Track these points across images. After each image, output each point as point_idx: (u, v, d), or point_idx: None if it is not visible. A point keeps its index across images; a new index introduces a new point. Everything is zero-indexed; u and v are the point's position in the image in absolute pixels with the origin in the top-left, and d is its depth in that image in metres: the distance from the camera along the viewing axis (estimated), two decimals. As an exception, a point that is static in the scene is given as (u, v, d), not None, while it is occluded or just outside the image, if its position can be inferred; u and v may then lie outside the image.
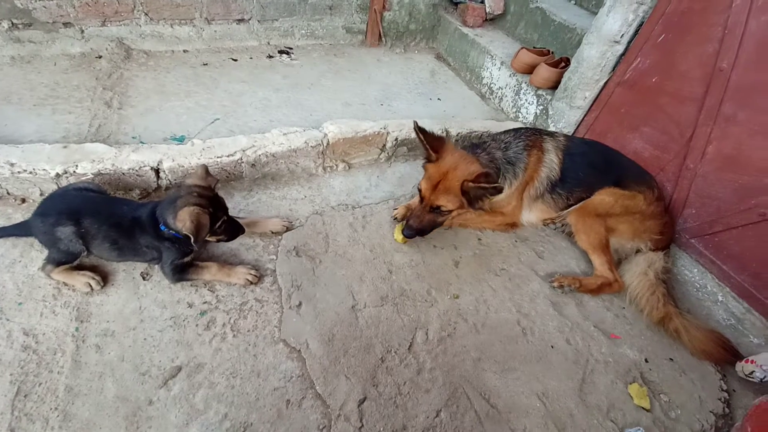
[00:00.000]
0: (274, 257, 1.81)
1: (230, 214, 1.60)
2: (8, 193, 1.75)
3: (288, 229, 1.91)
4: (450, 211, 1.80)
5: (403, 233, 1.87)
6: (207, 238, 1.55)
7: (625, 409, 1.51)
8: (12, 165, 1.69)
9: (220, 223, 1.52)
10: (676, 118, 2.02)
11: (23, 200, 1.77)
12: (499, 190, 1.69)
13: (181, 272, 1.59)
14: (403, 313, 1.70)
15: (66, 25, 2.69)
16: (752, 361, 1.60)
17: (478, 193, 1.73)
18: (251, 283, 1.66)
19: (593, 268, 1.96)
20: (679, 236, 2.09)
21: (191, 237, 1.38)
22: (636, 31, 2.16)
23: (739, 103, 1.78)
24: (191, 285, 1.64)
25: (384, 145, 2.43)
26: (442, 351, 1.59)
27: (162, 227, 1.48)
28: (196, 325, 1.52)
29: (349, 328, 1.61)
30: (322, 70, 3.19)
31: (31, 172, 1.70)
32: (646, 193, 1.95)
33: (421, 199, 1.82)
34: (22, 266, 1.58)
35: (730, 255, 1.88)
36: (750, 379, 1.61)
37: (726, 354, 1.67)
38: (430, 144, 1.77)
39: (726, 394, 1.61)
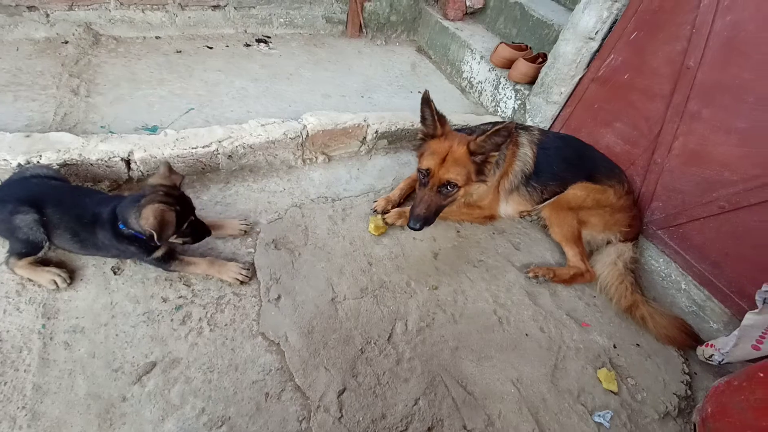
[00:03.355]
0: (252, 250, 1.79)
1: (205, 207, 1.56)
2: (-35, 185, 1.65)
3: (247, 233, 1.83)
4: (457, 189, 1.75)
5: (410, 227, 1.77)
6: (173, 240, 1.50)
7: (594, 393, 1.59)
8: (-31, 155, 1.59)
9: (187, 224, 1.48)
10: (646, 114, 2.10)
11: (-18, 192, 1.67)
12: (510, 132, 1.63)
13: (163, 264, 1.55)
14: (383, 305, 1.71)
15: (30, 8, 2.53)
16: (712, 345, 1.70)
17: (488, 148, 1.70)
18: (241, 283, 1.63)
19: (566, 259, 2.03)
20: (646, 228, 2.18)
21: (155, 235, 1.33)
22: (610, 28, 2.22)
23: (703, 100, 1.86)
24: (165, 279, 1.60)
25: (364, 138, 2.42)
26: (420, 341, 1.62)
27: (121, 225, 1.42)
28: (171, 320, 1.49)
29: (329, 321, 1.61)
30: (302, 61, 3.13)
31: (-10, 163, 1.61)
32: (616, 187, 2.03)
33: (427, 180, 1.76)
34: (-18, 262, 1.50)
35: (692, 245, 1.99)
36: (710, 362, 1.71)
37: (688, 339, 1.78)
38: (438, 117, 1.74)
39: (688, 377, 1.71)
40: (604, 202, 2.01)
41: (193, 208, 1.52)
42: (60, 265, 1.53)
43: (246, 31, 3.26)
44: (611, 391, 1.59)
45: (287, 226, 1.93)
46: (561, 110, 2.57)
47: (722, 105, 1.79)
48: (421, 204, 1.76)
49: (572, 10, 2.39)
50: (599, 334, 1.79)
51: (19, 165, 1.62)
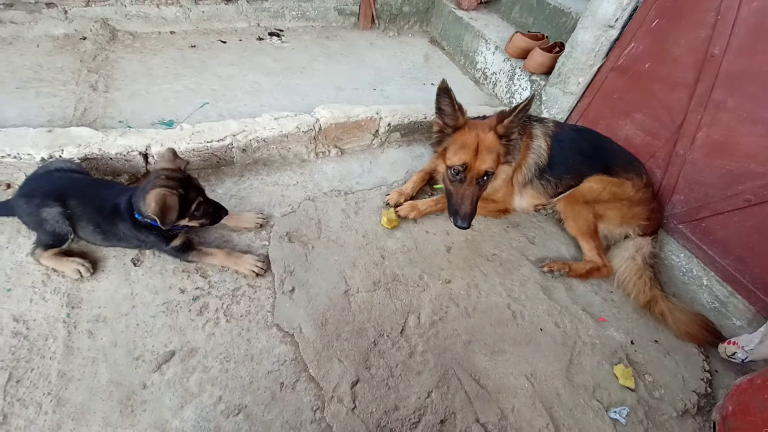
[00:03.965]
0: (267, 243, 1.81)
1: (220, 200, 1.58)
2: (-8, 179, 1.72)
3: (262, 226, 1.84)
4: (491, 176, 1.73)
5: (458, 226, 1.71)
6: (187, 223, 1.53)
7: (610, 389, 1.56)
8: (-5, 149, 1.65)
9: (196, 205, 1.49)
10: (668, 104, 2.03)
11: (8, 185, 1.73)
12: (530, 104, 1.62)
13: (181, 254, 1.59)
14: (396, 298, 1.71)
15: (49, 5, 2.59)
16: (734, 343, 1.66)
17: (514, 126, 1.67)
18: (256, 275, 1.65)
19: (583, 254, 2.00)
20: (667, 222, 2.12)
21: (158, 220, 1.35)
22: (630, 16, 2.15)
23: (729, 89, 1.79)
24: (183, 271, 1.63)
25: (377, 131, 2.41)
26: (433, 334, 1.62)
27: (137, 215, 1.45)
28: (189, 311, 1.53)
29: (342, 313, 1.62)
30: (314, 54, 3.13)
31: (15, 157, 1.66)
32: (635, 180, 1.98)
33: (464, 175, 1.70)
34: (9, 252, 1.56)
35: (715, 240, 1.92)
36: (732, 359, 1.67)
37: (709, 336, 1.73)
38: (459, 108, 1.69)
39: (708, 375, 1.67)
40: (621, 196, 1.96)
41: (201, 190, 1.53)
42: (83, 256, 1.57)
43: (259, 25, 3.27)
44: (628, 388, 1.57)
45: (301, 219, 1.94)
46: (578, 101, 2.51)
47: (749, 94, 1.72)
48: (465, 201, 1.71)
49: (591, -3, 2.32)
50: (616, 330, 1.76)
51: (43, 159, 1.67)
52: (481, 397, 1.47)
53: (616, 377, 1.59)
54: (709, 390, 1.62)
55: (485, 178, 1.72)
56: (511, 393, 1.50)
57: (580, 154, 2.05)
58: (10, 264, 1.53)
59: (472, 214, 1.72)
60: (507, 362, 1.58)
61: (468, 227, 1.73)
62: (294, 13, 3.35)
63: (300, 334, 1.53)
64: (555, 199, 2.10)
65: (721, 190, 1.86)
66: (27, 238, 1.59)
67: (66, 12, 2.64)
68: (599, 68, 2.35)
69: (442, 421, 1.40)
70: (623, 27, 2.19)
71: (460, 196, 1.73)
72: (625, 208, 1.96)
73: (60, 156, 1.70)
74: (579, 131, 2.19)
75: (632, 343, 1.73)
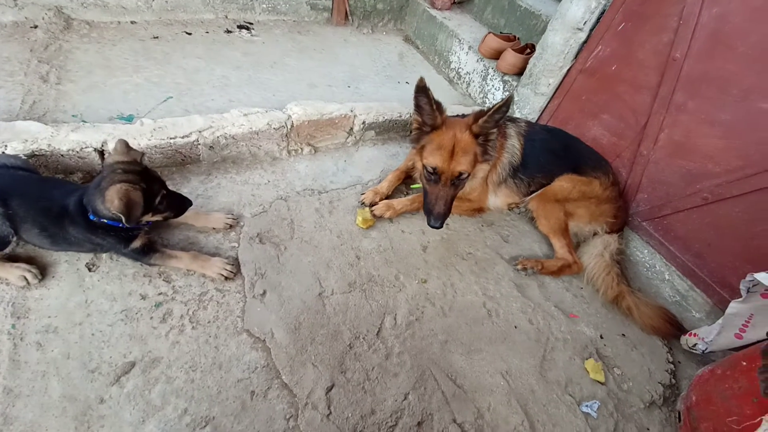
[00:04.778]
0: (236, 245, 1.73)
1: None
2: (-77, 177, 1.54)
3: (231, 227, 1.77)
4: (467, 176, 1.72)
5: (431, 225, 1.72)
6: (150, 218, 1.44)
7: (582, 383, 1.60)
8: (-75, 145, 1.48)
9: (159, 198, 1.41)
10: (633, 105, 2.11)
11: (-58, 185, 1.56)
12: (508, 105, 1.59)
13: (142, 256, 1.49)
14: (372, 299, 1.68)
15: (-6, -11, 2.38)
16: (695, 335, 1.74)
17: (489, 126, 1.65)
18: (225, 279, 1.57)
19: (554, 251, 2.04)
20: (632, 219, 2.20)
21: (122, 218, 1.27)
22: (598, 19, 2.21)
23: (689, 92, 1.87)
24: (144, 275, 1.53)
25: (351, 129, 2.37)
26: (410, 335, 1.60)
27: (91, 216, 1.35)
28: (151, 318, 1.43)
29: (316, 316, 1.57)
30: (286, 49, 3.04)
31: (-51, 153, 1.50)
32: (602, 179, 2.04)
33: (438, 176, 1.70)
34: (-57, 259, 1.41)
35: (676, 236, 2.02)
36: (693, 351, 1.74)
37: (672, 328, 1.80)
38: (437, 106, 1.65)
39: (672, 366, 1.74)
40: (589, 194, 2.01)
41: (162, 182, 1.46)
42: (30, 261, 1.44)
43: (227, 17, 3.14)
44: (598, 382, 1.61)
45: (272, 219, 1.87)
46: (549, 102, 2.57)
47: (707, 97, 1.80)
48: (439, 201, 1.71)
49: (560, 0, 2.37)
50: (586, 325, 1.81)
51: (-18, 156, 1.52)
52: (458, 396, 1.47)
53: (587, 372, 1.63)
54: (673, 381, 1.69)
55: (460, 178, 1.72)
56: (487, 391, 1.50)
57: (551, 154, 2.09)
58: (-55, 272, 1.38)
59: (446, 214, 1.73)
60: (483, 361, 1.59)
61: (440, 227, 1.74)
62: (264, 6, 3.24)
63: (272, 339, 1.47)
64: (528, 197, 2.14)
65: (681, 189, 1.95)
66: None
67: (14, -2, 2.44)
68: (568, 70, 2.41)
69: (419, 423, 1.38)
70: (591, 30, 2.25)
71: (434, 196, 1.73)
72: (594, 206, 2.02)
73: (3, 152, 1.55)
74: (550, 131, 2.23)
75: (601, 337, 1.78)
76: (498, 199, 2.16)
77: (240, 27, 3.10)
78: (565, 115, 2.48)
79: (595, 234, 2.08)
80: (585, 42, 2.29)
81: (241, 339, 1.45)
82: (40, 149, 1.60)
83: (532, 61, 2.55)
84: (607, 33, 2.16)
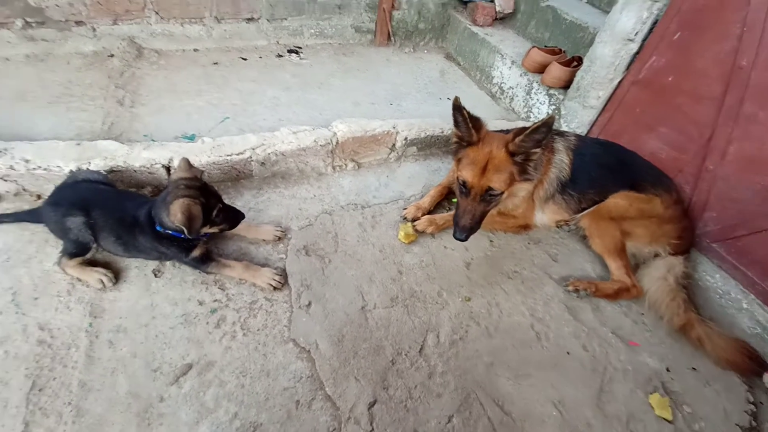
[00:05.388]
0: (284, 256, 1.79)
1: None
2: (24, 190, 1.76)
3: (280, 239, 1.84)
4: (500, 194, 1.70)
5: (455, 237, 1.72)
6: (208, 230, 1.54)
7: (645, 420, 1.46)
8: (27, 162, 1.70)
9: (216, 212, 1.51)
10: (694, 117, 1.97)
11: (38, 196, 1.78)
12: (550, 126, 1.53)
13: (201, 265, 1.59)
14: (414, 315, 1.67)
15: (78, 23, 2.71)
16: (779, 372, 1.55)
17: (528, 146, 1.61)
18: (273, 288, 1.64)
19: (610, 273, 1.92)
20: (699, 240, 2.03)
21: (185, 230, 1.37)
22: (650, 29, 2.12)
23: (759, 101, 1.73)
24: (202, 283, 1.63)
25: (393, 145, 2.41)
26: (453, 354, 1.56)
27: (158, 227, 1.47)
28: (207, 323, 1.52)
29: (359, 329, 1.59)
30: (332, 70, 3.18)
31: (45, 169, 1.71)
32: (664, 197, 1.90)
33: (467, 190, 1.69)
34: (37, 262, 1.59)
35: (754, 260, 1.82)
36: (777, 390, 1.55)
37: (752, 364, 1.61)
38: (473, 123, 1.66)
39: (753, 407, 1.55)
40: (649, 213, 1.89)
41: (219, 196, 1.56)
42: (106, 266, 1.59)
43: (278, 42, 3.35)
44: (665, 419, 1.46)
45: (318, 232, 1.93)
46: (599, 115, 2.47)
47: (784, 107, 1.66)
48: (465, 215, 1.71)
49: (608, 12, 2.31)
50: (649, 355, 1.66)
51: (71, 171, 1.71)
52: (506, 424, 1.40)
53: (652, 407, 1.49)
54: (754, 423, 1.50)
55: (491, 194, 1.69)
56: (537, 421, 1.42)
57: (604, 169, 1.99)
58: (38, 273, 1.55)
59: (472, 228, 1.71)
60: (532, 387, 1.51)
61: (464, 240, 1.73)
62: (312, 30, 3.43)
63: (316, 350, 1.50)
64: (579, 215, 2.04)
65: (758, 207, 1.77)
66: (54, 248, 1.61)
67: (94, 30, 2.76)
68: (620, 82, 2.31)
69: (464, 447, 1.33)
70: (643, 40, 2.16)
71: (463, 209, 1.73)
72: (654, 225, 1.88)
73: (87, 168, 1.73)
74: (602, 145, 2.14)
75: (668, 370, 1.62)
76: (545, 216, 2.08)
77: (290, 51, 3.29)
78: (617, 129, 2.37)
79: (656, 255, 1.93)
80: (637, 53, 2.20)
81: (287, 348, 1.49)
82: (117, 165, 1.78)
83: (579, 73, 2.48)
84: (661, 43, 2.06)
